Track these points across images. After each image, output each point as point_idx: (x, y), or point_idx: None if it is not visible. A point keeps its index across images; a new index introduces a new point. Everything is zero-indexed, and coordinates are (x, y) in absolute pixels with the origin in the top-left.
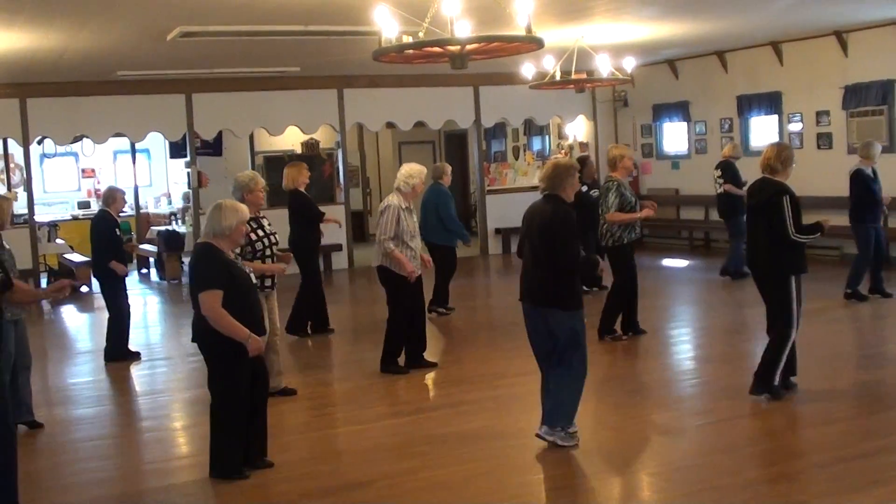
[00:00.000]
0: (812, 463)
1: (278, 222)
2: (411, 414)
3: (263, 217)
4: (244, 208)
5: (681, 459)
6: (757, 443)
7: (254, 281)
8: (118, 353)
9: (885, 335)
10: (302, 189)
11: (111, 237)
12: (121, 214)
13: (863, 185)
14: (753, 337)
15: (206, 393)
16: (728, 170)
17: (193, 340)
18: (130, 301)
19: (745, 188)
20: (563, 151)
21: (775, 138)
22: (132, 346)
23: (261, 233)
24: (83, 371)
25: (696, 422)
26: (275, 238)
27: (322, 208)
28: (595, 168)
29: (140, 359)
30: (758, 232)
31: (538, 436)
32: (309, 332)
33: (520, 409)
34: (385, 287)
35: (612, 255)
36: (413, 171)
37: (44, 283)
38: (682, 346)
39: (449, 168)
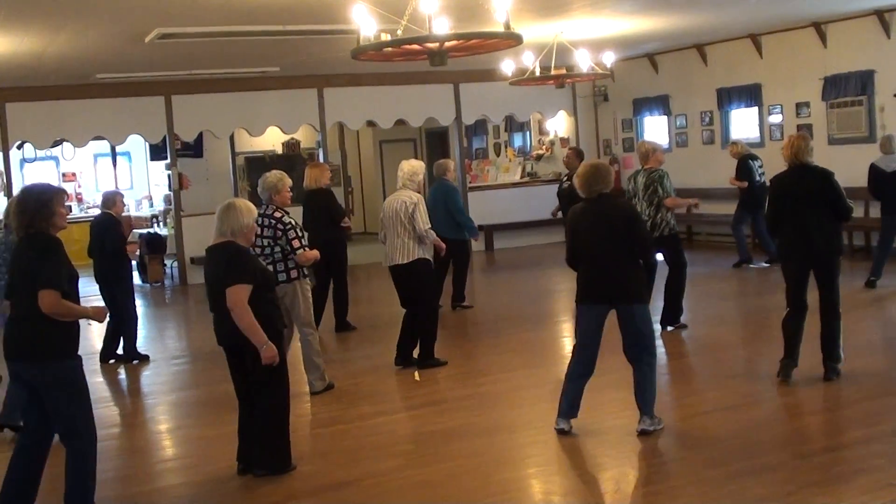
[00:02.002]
0: (798, 453)
1: None
2: (395, 412)
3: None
4: (254, 207)
5: (667, 452)
6: (743, 434)
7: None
8: (131, 354)
9: (874, 324)
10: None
11: (122, 237)
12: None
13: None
14: (739, 330)
15: (191, 395)
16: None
17: (221, 344)
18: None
19: (768, 178)
20: (544, 147)
21: (756, 131)
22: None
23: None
24: None
25: (682, 414)
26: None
27: None
28: None
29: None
30: (816, 218)
31: (643, 432)
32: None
33: (504, 406)
34: (423, 281)
35: (670, 244)
36: (416, 168)
37: None
38: (668, 338)
39: (452, 164)
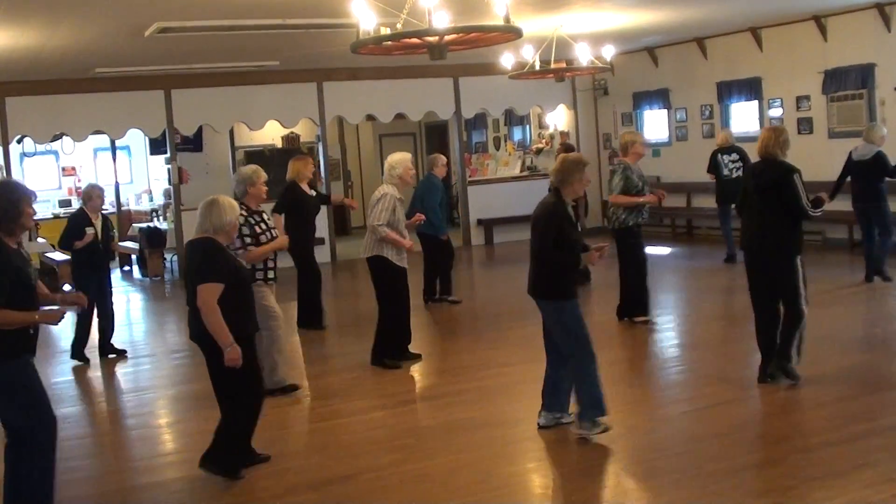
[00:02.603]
0: (798, 447)
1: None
2: (395, 406)
3: (263, 211)
4: (236, 204)
5: (666, 447)
6: (743, 429)
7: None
8: (74, 350)
9: (872, 318)
10: (303, 183)
11: (73, 234)
12: (104, 211)
13: None
14: (737, 323)
15: (191, 389)
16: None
17: (191, 339)
18: (112, 299)
19: (741, 171)
20: (544, 140)
21: (756, 124)
22: (116, 344)
23: (263, 226)
24: (67, 370)
25: (682, 409)
26: (275, 232)
27: None
28: None
29: (126, 356)
30: (764, 213)
31: (581, 437)
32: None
33: (504, 400)
34: (379, 279)
35: (620, 238)
36: (393, 162)
37: None
38: (667, 333)
39: (441, 159)
